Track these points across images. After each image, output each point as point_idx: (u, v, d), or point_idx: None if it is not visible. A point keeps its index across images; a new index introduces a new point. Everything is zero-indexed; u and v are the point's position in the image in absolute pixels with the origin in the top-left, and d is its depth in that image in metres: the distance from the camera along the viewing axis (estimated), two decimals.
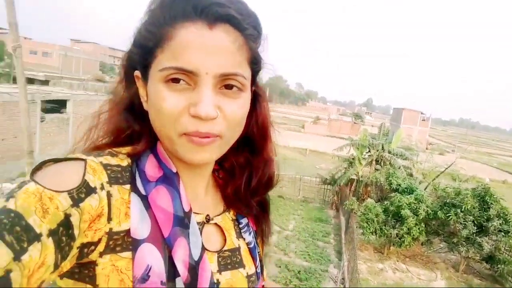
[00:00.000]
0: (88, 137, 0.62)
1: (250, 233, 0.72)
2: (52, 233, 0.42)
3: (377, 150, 15.95)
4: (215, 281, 0.59)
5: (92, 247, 0.49)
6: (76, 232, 0.46)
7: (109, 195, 0.51)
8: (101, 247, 0.50)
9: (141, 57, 0.57)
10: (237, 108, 0.56)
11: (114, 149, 0.59)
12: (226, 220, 0.69)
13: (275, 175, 0.77)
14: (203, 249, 0.58)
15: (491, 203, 10.89)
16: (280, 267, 9.75)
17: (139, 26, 0.58)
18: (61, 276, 0.51)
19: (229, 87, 0.55)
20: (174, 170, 0.60)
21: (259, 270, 0.71)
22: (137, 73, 0.60)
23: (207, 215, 0.65)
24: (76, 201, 0.46)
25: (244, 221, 0.72)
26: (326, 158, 18.00)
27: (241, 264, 0.66)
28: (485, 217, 10.70)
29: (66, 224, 0.44)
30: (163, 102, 0.53)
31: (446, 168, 15.99)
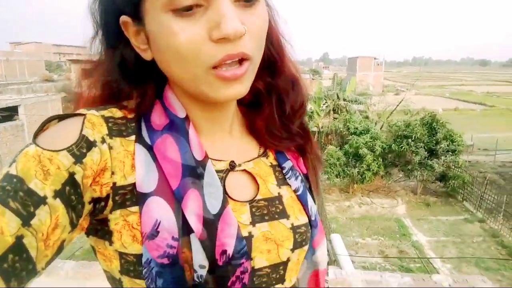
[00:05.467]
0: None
1: (297, 178, 0.61)
2: (58, 193, 0.41)
3: (333, 100, 16.69)
4: (247, 234, 0.51)
5: (102, 203, 0.47)
6: (83, 188, 0.44)
7: (110, 148, 0.47)
8: (110, 202, 0.47)
9: None
10: (260, 21, 0.48)
11: (123, 102, 0.53)
12: (262, 165, 0.59)
13: (306, 96, 0.65)
14: (225, 200, 0.50)
15: (438, 128, 11.95)
16: None
17: None
18: (87, 234, 0.51)
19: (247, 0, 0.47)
20: (182, 116, 0.53)
21: (314, 219, 0.60)
22: (124, 18, 0.48)
23: (232, 161, 0.56)
24: (78, 157, 0.44)
25: (287, 164, 0.61)
26: None
27: (283, 215, 0.56)
28: (434, 142, 11.78)
29: (72, 182, 0.43)
30: (177, 37, 0.44)
31: (397, 106, 17.04)
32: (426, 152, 11.64)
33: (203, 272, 0.46)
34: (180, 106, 0.53)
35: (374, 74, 46.27)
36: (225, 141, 0.58)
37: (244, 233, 0.50)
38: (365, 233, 9.98)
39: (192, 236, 0.47)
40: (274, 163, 0.61)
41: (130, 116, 0.52)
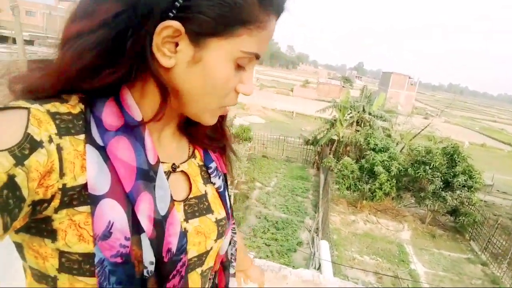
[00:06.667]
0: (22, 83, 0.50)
1: (219, 177, 0.70)
2: None
3: (358, 112, 16.48)
4: (183, 230, 0.56)
5: (45, 204, 0.46)
6: (25, 192, 0.42)
7: (59, 148, 0.46)
8: (55, 203, 0.46)
9: (216, 22, 0.48)
10: None
11: (63, 95, 0.50)
12: (193, 166, 0.66)
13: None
14: (172, 201, 0.55)
15: (459, 161, 11.66)
16: (259, 218, 10.53)
17: None
18: (16, 231, 0.49)
19: None
20: (138, 119, 0.53)
21: (230, 212, 0.70)
22: (177, 25, 0.47)
23: (173, 163, 0.61)
24: (20, 159, 0.41)
25: (213, 165, 0.69)
26: (312, 121, 18.58)
27: (209, 210, 0.64)
28: (451, 174, 11.52)
29: (11, 186, 0.40)
30: (225, 81, 0.53)
31: (422, 130, 16.70)
32: (442, 183, 11.41)
33: (152, 267, 0.51)
34: (137, 108, 0.53)
35: (406, 93, 45.35)
36: (167, 143, 0.63)
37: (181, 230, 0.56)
38: (364, 251, 9.93)
39: (142, 235, 0.50)
40: (201, 163, 0.68)
41: (75, 111, 0.50)
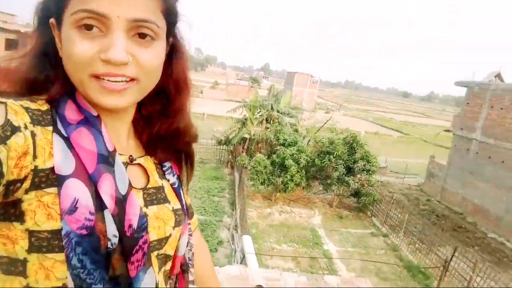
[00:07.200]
0: None
1: (173, 175, 0.76)
2: None
3: (267, 110, 17.17)
4: (143, 213, 0.62)
5: (18, 184, 0.49)
6: (4, 168, 0.46)
7: (33, 134, 0.51)
8: (26, 184, 0.50)
9: (55, 3, 0.56)
10: (151, 56, 0.58)
11: (31, 96, 0.58)
12: (149, 162, 0.72)
13: (193, 128, 0.79)
14: (130, 185, 0.60)
15: (357, 148, 12.92)
16: None
17: None
18: None
19: (142, 36, 0.57)
20: (95, 114, 0.60)
21: (185, 208, 0.75)
22: (52, 20, 0.58)
23: (130, 155, 0.68)
24: (3, 139, 0.46)
25: (167, 164, 0.76)
26: (223, 122, 18.80)
27: (166, 200, 0.70)
28: (352, 160, 12.71)
29: None
30: (75, 47, 0.53)
31: (325, 123, 18.10)
32: (344, 169, 12.53)
33: (116, 240, 0.55)
34: (90, 106, 0.60)
35: (308, 91, 48.61)
36: (124, 139, 0.69)
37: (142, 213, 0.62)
38: (282, 240, 10.41)
39: (105, 211, 0.55)
40: (156, 162, 0.75)
41: (43, 109, 0.57)
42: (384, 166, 19.02)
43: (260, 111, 17.48)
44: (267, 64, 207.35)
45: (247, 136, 16.82)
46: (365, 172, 12.66)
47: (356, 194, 12.97)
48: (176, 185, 0.75)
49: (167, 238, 0.68)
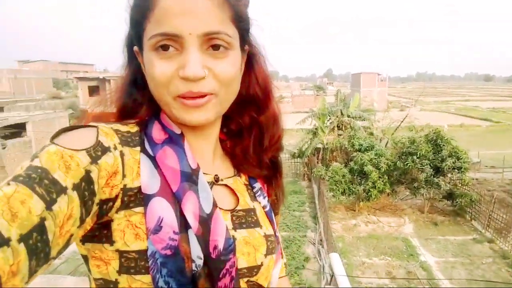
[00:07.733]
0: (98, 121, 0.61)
1: (264, 197, 0.72)
2: (76, 187, 0.46)
3: (337, 117, 16.68)
4: (231, 236, 0.59)
5: (110, 203, 0.52)
6: (96, 187, 0.49)
7: (122, 154, 0.54)
8: (118, 203, 0.53)
9: (135, 32, 0.60)
10: (226, 66, 0.58)
11: (125, 120, 0.62)
12: (238, 183, 0.70)
13: (282, 132, 0.76)
14: (215, 204, 0.59)
15: (443, 145, 11.83)
16: None
17: (129, 3, 0.60)
18: (83, 241, 0.55)
19: (216, 47, 0.57)
20: (178, 132, 0.62)
21: (278, 234, 0.71)
22: (135, 48, 0.62)
23: (216, 175, 0.66)
24: (94, 158, 0.49)
25: (257, 185, 0.72)
26: (293, 134, 18.62)
27: (257, 224, 0.66)
28: (439, 159, 11.64)
29: (87, 179, 0.47)
30: (154, 69, 0.55)
31: (401, 122, 16.98)
32: (432, 170, 11.50)
33: (201, 262, 0.54)
34: (173, 124, 0.63)
35: (378, 90, 46.45)
36: (209, 159, 0.68)
37: (229, 236, 0.59)
38: (372, 253, 9.79)
39: (189, 231, 0.54)
40: (246, 183, 0.72)
41: (133, 131, 0.60)
42: (477, 161, 17.09)
43: (329, 119, 17.08)
44: (330, 70, 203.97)
45: (320, 146, 16.48)
46: (456, 170, 11.49)
47: (450, 196, 11.78)
48: (267, 208, 0.71)
49: (258, 267, 0.63)
